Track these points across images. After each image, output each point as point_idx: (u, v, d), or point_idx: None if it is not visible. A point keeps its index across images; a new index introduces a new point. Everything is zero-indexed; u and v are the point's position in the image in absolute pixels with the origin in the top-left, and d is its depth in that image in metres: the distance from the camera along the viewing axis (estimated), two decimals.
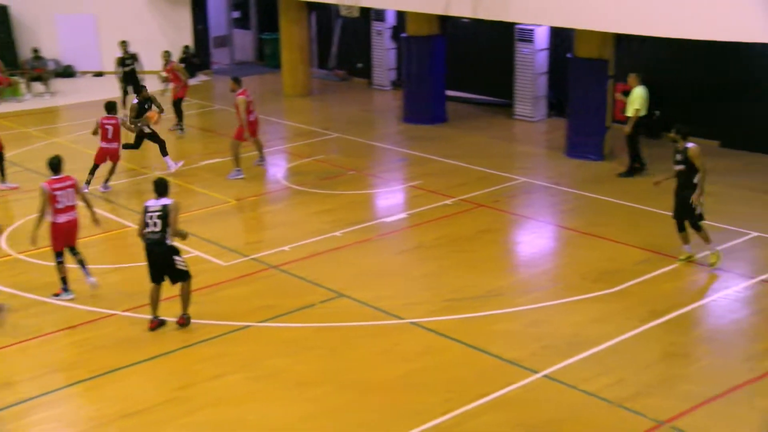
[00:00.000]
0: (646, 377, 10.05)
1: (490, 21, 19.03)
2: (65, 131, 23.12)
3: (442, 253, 13.91)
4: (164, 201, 11.30)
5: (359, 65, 27.58)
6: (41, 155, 20.29)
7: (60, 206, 12.13)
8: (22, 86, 26.54)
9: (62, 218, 12.20)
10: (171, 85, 22.35)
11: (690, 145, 12.65)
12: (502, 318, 11.68)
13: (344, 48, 28.09)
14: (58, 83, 27.74)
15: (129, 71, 23.99)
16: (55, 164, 12.26)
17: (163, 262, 11.30)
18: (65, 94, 26.95)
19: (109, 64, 29.16)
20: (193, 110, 24.56)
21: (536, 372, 10.20)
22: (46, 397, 10.11)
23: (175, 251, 11.36)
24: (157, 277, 11.42)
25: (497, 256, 13.86)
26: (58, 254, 12.36)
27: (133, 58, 24.08)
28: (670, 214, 13.26)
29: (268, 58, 29.99)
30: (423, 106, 22.02)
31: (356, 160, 19.17)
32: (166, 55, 22.72)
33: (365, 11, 24.54)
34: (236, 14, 32.05)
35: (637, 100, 16.84)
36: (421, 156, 19.10)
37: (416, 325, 11.51)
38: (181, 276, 11.44)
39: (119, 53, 24.06)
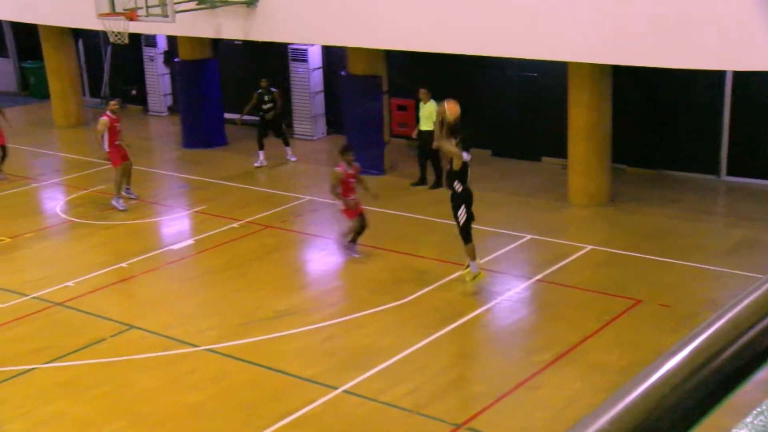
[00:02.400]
0: (440, 382, 10.40)
1: (263, 42, 19.13)
2: None
3: (231, 277, 13.82)
4: None
5: (133, 92, 26.91)
6: None
7: None
8: None
9: None
10: None
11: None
12: (296, 337, 11.74)
13: (116, 75, 27.34)
14: None
15: None
16: None
17: None
18: None
19: None
20: None
21: (334, 388, 10.31)
22: None
23: None
24: None
25: (287, 276, 13.93)
26: None
27: None
28: (451, 223, 13.74)
29: (33, 87, 28.67)
30: (201, 131, 21.80)
31: (137, 188, 18.67)
32: None
33: (135, 37, 24.02)
34: None
35: (435, 112, 17.33)
36: (204, 180, 18.90)
37: (210, 351, 11.37)
38: None
39: None
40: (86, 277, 13.90)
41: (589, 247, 14.33)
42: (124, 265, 14.33)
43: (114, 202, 17.15)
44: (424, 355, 11.09)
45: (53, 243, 15.92)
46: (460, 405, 9.88)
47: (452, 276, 13.36)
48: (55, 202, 18.03)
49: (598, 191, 16.49)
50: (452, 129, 12.44)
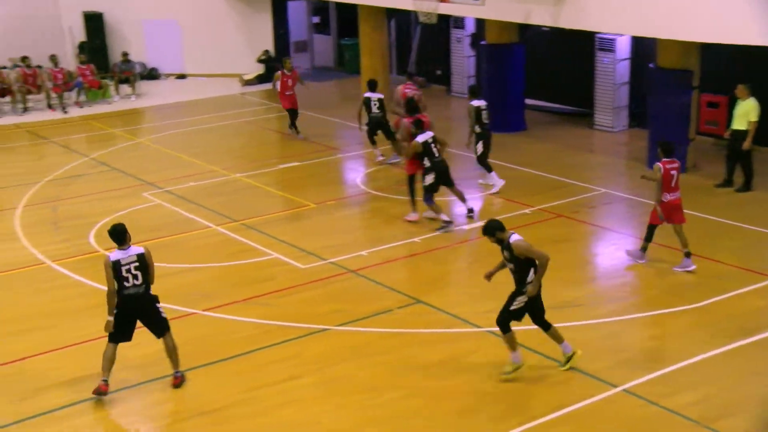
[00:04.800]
0: (732, 397, 9.78)
1: (571, 30, 18.82)
2: (148, 132, 23.59)
3: None
4: (135, 250, 10.05)
5: (438, 72, 27.55)
6: (126, 155, 20.84)
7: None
8: (111, 88, 27.21)
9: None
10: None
11: (513, 239, 10.17)
12: (580, 329, 11.50)
13: (423, 55, 28.10)
14: (144, 85, 28.34)
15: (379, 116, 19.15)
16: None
17: (145, 315, 10.24)
18: (150, 95, 27.52)
19: (192, 67, 29.87)
20: (273, 114, 24.82)
21: (615, 386, 10.02)
22: (126, 392, 10.28)
23: (157, 299, 10.30)
24: (122, 337, 10.24)
25: (575, 267, 13.68)
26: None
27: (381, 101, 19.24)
28: (755, 228, 12.91)
29: (347, 63, 30.17)
30: (501, 114, 21.85)
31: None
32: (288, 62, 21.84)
33: (445, 18, 24.52)
34: (316, 20, 32.32)
35: (752, 111, 16.40)
36: (500, 164, 18.93)
37: (492, 333, 11.40)
38: (164, 326, 10.33)
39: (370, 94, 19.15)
40: (379, 248, 14.42)
41: None
42: (417, 240, 14.71)
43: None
44: (716, 366, 10.48)
45: (352, 212, 16.63)
46: (754, 426, 9.23)
47: (754, 286, 12.52)
48: (356, 173, 18.84)
49: None
50: None
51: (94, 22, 29.31)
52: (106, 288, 10.03)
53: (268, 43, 29.67)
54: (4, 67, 26.30)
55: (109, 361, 10.10)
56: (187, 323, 11.96)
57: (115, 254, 9.93)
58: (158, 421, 9.86)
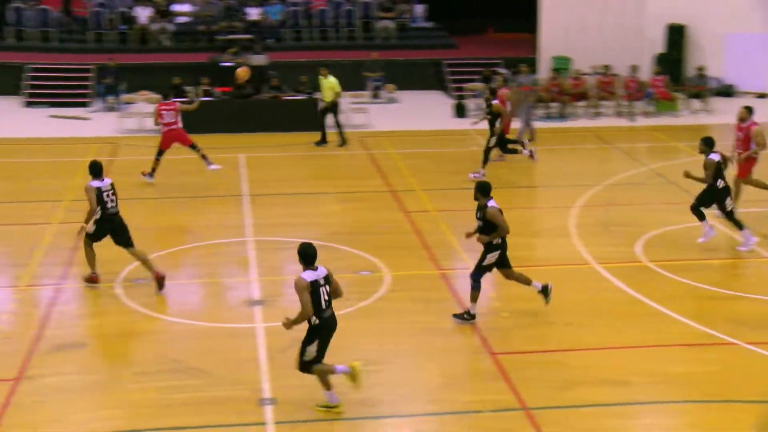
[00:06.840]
0: None
1: None
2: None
3: None
4: (108, 180, 12.90)
5: None
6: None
7: None
8: (681, 102, 26.86)
9: None
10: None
11: (300, 275, 9.44)
12: None
13: None
14: (717, 102, 27.34)
15: None
16: None
17: (121, 230, 12.96)
18: (721, 113, 26.39)
19: None
20: None
21: None
22: (655, 406, 9.92)
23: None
24: (97, 240, 12.98)
25: None
26: None
27: None
28: None
29: None
30: None
31: None
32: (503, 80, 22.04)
33: None
34: None
35: None
36: None
37: None
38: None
39: None
40: None
41: None
42: None
43: None
44: None
45: None
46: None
47: None
48: None
49: None
50: None
51: (675, 34, 29.21)
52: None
53: None
54: (585, 74, 27.28)
55: (92, 258, 13.05)
56: (725, 352, 11.21)
57: (95, 183, 12.78)
58: None
